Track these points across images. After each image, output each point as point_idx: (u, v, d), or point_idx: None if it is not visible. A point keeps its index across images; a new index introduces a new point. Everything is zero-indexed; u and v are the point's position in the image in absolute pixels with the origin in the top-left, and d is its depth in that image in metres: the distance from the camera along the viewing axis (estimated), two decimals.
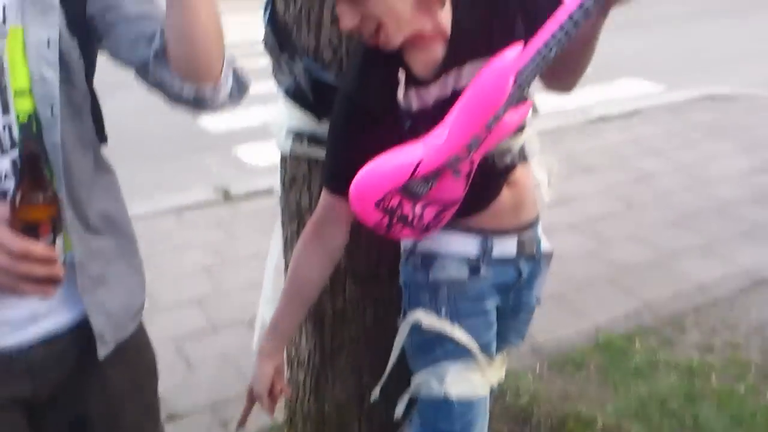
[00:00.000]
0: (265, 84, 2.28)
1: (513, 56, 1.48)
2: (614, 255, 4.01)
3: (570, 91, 1.75)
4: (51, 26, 1.29)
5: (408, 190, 1.59)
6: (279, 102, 2.07)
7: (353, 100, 1.65)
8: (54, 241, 1.19)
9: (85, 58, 1.36)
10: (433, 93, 1.60)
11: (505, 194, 1.76)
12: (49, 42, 1.28)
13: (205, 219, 4.70)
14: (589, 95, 6.90)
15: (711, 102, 6.78)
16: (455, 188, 1.61)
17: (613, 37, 1.53)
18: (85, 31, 1.36)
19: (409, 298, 1.83)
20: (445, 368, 1.77)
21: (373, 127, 1.60)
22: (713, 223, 4.32)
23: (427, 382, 1.80)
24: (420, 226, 1.65)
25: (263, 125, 2.14)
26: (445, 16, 1.58)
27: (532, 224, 1.85)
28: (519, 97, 1.52)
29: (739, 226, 4.25)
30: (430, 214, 1.64)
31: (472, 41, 1.57)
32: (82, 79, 1.36)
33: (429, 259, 1.77)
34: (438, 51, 1.60)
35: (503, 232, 1.78)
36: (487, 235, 1.77)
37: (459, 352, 1.77)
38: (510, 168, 1.75)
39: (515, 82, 1.49)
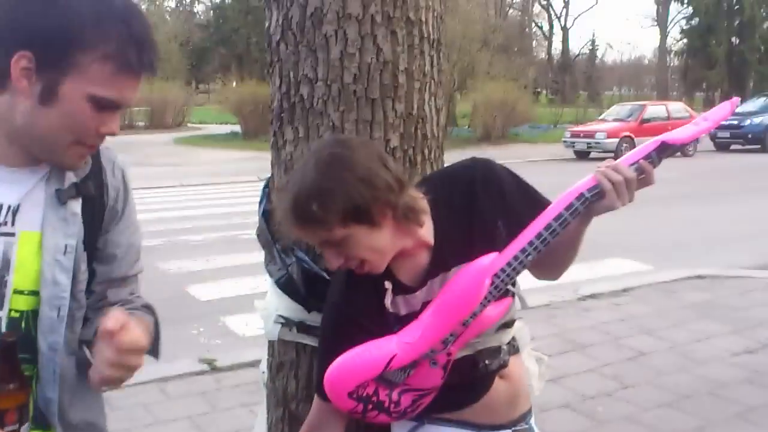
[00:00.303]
0: (254, 255, 2.30)
1: (488, 261, 1.55)
2: None
3: (557, 279, 1.81)
4: (70, 235, 1.36)
5: (384, 379, 1.60)
6: (268, 290, 2.10)
7: (340, 310, 1.68)
8: (19, 430, 1.20)
9: (90, 274, 1.43)
10: (421, 298, 1.63)
11: (500, 387, 1.74)
12: (66, 249, 1.35)
13: (189, 391, 4.58)
14: (579, 273, 6.97)
15: (700, 282, 6.84)
16: (432, 377, 1.62)
17: (601, 217, 1.60)
18: (95, 250, 1.43)
19: None
20: None
21: (361, 335, 1.61)
22: (708, 404, 4.23)
23: None
24: (397, 411, 1.64)
25: (252, 295, 2.15)
26: (426, 228, 1.63)
27: (526, 416, 1.82)
28: (497, 295, 1.57)
29: (734, 408, 4.15)
30: (407, 400, 1.63)
31: (455, 247, 1.62)
32: (82, 290, 1.41)
33: None
34: (423, 258, 1.64)
35: (498, 426, 1.75)
36: (481, 429, 1.73)
37: None
38: (503, 366, 1.75)
39: (492, 283, 1.55)
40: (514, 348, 1.81)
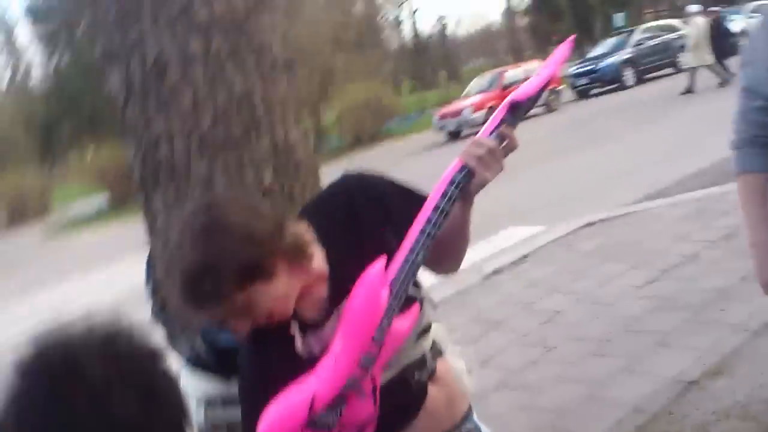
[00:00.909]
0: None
1: (377, 271, 1.52)
2: (547, 401, 3.98)
3: (456, 270, 1.80)
4: None
5: (318, 424, 1.55)
6: (182, 373, 2.00)
7: (254, 373, 1.64)
8: None
9: None
10: (330, 330, 1.59)
11: (434, 394, 1.73)
12: None
13: None
14: (478, 252, 7.10)
15: (591, 229, 7.09)
16: (365, 408, 1.58)
17: (484, 191, 1.60)
18: None
19: None
20: None
21: (280, 389, 1.56)
22: (628, 341, 4.39)
23: None
24: None
25: None
26: (317, 258, 1.60)
27: (468, 415, 1.82)
28: (400, 304, 1.54)
29: (651, 338, 4.33)
30: None
31: (350, 269, 1.57)
32: None
33: None
34: (321, 290, 1.61)
35: None
36: None
37: None
38: (433, 373, 1.74)
39: (390, 293, 1.52)
40: (437, 351, 1.81)
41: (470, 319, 5.44)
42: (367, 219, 1.65)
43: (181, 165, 1.97)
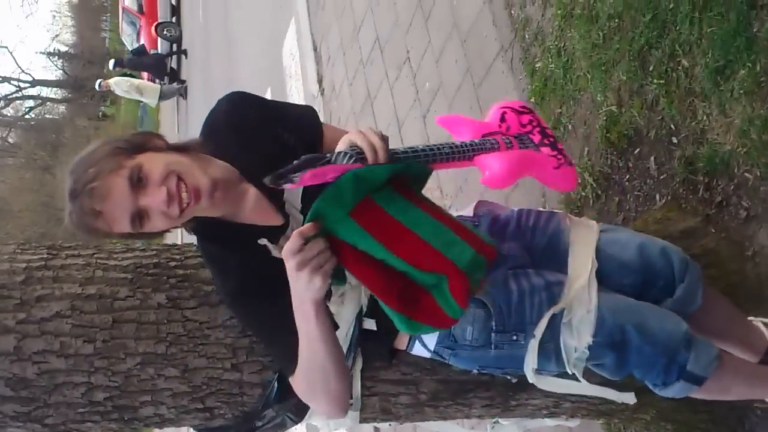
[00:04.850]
0: None
1: None
2: None
3: None
4: None
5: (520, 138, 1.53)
6: None
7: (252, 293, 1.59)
8: None
9: None
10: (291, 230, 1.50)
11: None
12: None
13: None
14: None
15: None
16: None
17: None
18: None
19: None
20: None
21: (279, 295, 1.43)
22: None
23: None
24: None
25: None
26: (216, 165, 1.62)
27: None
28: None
29: None
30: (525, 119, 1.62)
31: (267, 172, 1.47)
32: None
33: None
34: (247, 189, 1.62)
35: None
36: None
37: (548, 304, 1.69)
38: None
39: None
40: None
41: None
42: (259, 127, 1.69)
43: None
